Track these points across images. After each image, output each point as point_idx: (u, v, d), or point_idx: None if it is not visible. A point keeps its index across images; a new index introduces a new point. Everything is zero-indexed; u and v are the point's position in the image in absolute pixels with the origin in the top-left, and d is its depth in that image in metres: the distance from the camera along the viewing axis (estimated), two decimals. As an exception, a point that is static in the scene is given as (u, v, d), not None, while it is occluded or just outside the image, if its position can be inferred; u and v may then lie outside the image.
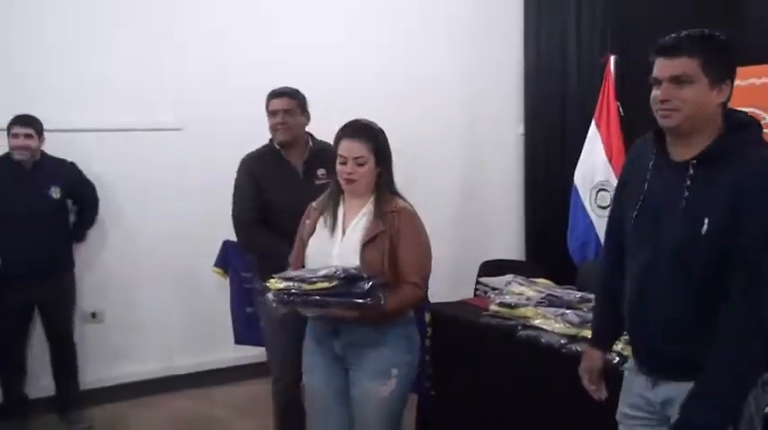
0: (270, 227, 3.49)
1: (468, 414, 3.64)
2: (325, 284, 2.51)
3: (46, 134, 4.34)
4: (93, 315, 4.87)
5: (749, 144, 2.00)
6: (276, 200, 3.48)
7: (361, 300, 2.50)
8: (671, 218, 2.04)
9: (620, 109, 5.44)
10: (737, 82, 4.94)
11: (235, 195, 3.62)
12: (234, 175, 3.65)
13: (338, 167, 2.76)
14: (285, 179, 3.54)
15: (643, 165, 2.16)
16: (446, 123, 5.88)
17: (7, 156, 4.29)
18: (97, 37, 4.70)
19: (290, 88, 3.64)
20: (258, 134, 3.66)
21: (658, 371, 2.14)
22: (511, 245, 6.16)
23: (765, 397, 2.06)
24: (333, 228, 2.79)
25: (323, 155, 3.48)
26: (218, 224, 4.07)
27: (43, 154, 4.38)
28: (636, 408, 2.23)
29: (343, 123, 2.82)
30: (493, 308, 3.50)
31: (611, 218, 2.39)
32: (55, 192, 4.32)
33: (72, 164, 4.52)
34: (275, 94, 3.61)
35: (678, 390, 2.05)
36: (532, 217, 6.24)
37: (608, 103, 5.42)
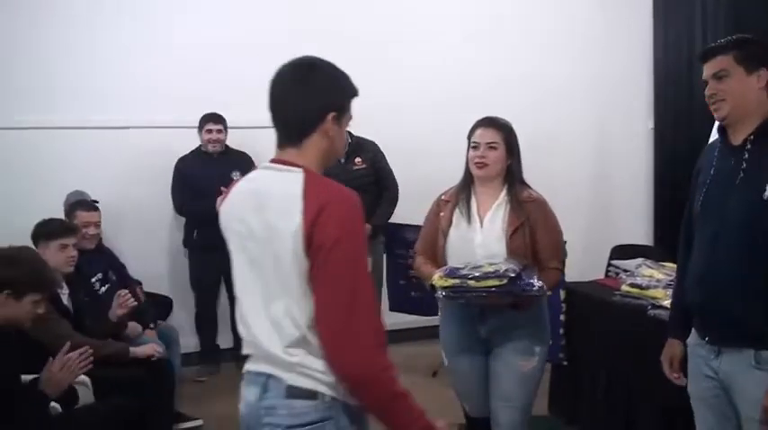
0: None
1: (597, 383, 3.74)
2: (496, 282, 2.50)
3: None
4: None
5: None
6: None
7: (537, 295, 2.55)
8: (733, 191, 2.16)
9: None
10: None
11: None
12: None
13: (470, 154, 2.81)
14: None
15: (711, 155, 2.33)
16: (580, 119, 6.05)
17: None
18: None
19: None
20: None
21: (723, 339, 2.20)
22: (640, 231, 6.25)
23: None
24: (469, 218, 2.79)
25: (359, 147, 4.57)
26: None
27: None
28: (703, 379, 2.28)
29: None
30: (624, 288, 3.57)
31: (687, 208, 2.43)
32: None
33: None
34: None
35: (739, 360, 2.14)
36: (660, 205, 6.31)
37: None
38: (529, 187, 2.85)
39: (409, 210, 5.02)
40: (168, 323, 4.55)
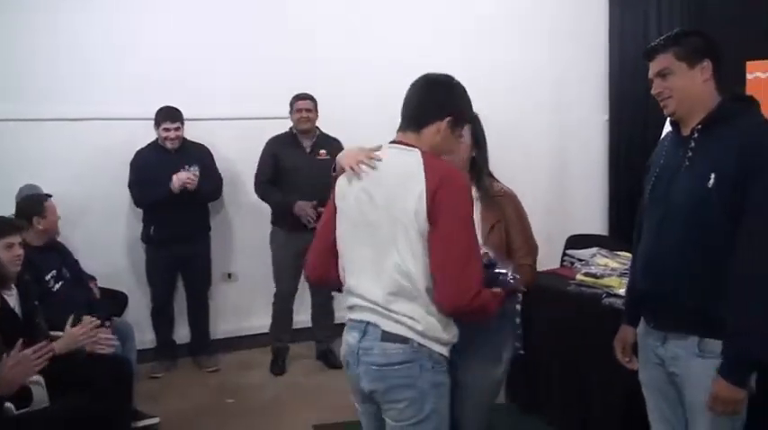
0: (285, 185, 4.74)
1: (553, 372, 3.80)
2: None
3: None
4: (229, 275, 5.42)
5: (747, 112, 2.17)
6: (289, 167, 4.76)
7: (512, 281, 2.31)
8: (679, 179, 2.19)
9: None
10: (758, 74, 5.07)
11: (258, 165, 4.81)
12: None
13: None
14: (297, 154, 4.79)
15: (663, 146, 2.39)
16: (537, 111, 6.09)
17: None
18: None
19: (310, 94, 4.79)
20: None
21: (668, 325, 2.24)
22: (596, 221, 6.33)
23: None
24: None
25: (325, 141, 4.85)
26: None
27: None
28: (653, 367, 2.33)
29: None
30: (579, 277, 3.63)
31: (641, 201, 2.45)
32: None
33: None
34: (301, 97, 4.77)
35: (684, 346, 2.17)
36: (615, 195, 6.40)
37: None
38: (497, 180, 2.74)
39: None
40: (124, 319, 4.48)
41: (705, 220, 2.11)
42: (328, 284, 2.45)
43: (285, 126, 4.90)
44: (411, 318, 2.06)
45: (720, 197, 2.07)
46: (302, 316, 5.17)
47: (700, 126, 2.19)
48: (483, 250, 2.37)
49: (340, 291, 2.33)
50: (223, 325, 5.37)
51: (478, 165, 2.68)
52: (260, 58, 5.13)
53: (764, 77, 4.98)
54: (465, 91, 2.23)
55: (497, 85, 5.64)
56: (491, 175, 2.73)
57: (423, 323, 2.06)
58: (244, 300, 5.42)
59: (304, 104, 4.80)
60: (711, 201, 2.08)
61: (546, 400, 3.88)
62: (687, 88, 2.21)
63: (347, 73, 5.35)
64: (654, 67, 2.27)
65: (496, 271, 2.36)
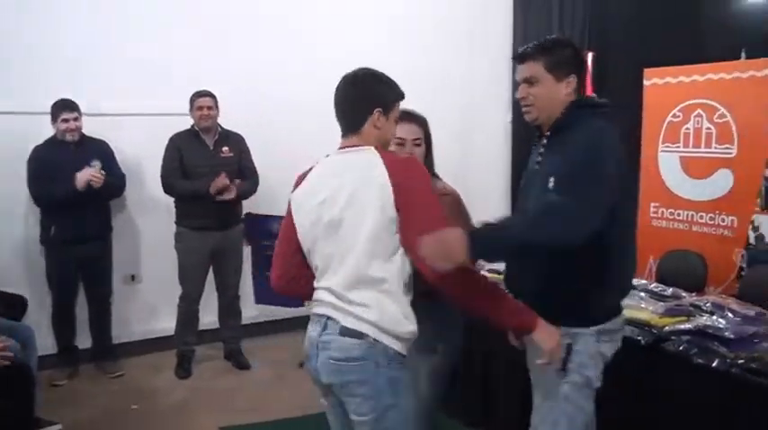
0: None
1: (491, 370, 3.77)
2: None
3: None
4: (133, 277, 5.28)
5: (588, 117, 2.25)
6: (193, 164, 4.71)
7: None
8: (533, 181, 2.36)
9: (597, 100, 5.83)
10: (696, 77, 5.38)
11: (164, 161, 4.74)
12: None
13: (394, 150, 2.66)
14: (200, 151, 4.75)
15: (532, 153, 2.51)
16: (444, 113, 6.05)
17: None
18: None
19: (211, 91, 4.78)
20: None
21: None
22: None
23: (599, 345, 2.29)
24: None
25: (227, 138, 4.85)
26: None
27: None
28: (532, 349, 2.43)
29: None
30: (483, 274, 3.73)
31: None
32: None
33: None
34: (201, 94, 4.75)
35: None
36: (516, 194, 6.54)
37: (586, 95, 5.81)
38: (441, 179, 2.84)
39: (275, 200, 5.00)
40: (23, 323, 4.30)
41: None
42: (295, 294, 2.48)
43: (189, 123, 4.83)
44: (365, 306, 2.12)
45: None
46: (209, 317, 5.10)
47: (549, 132, 2.32)
48: None
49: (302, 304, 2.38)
50: (127, 328, 5.23)
51: (428, 167, 2.75)
52: (164, 53, 5.03)
53: (662, 83, 5.25)
54: (379, 75, 2.30)
55: (407, 86, 5.62)
56: (436, 175, 2.85)
57: (377, 311, 2.11)
58: (148, 302, 5.30)
59: (204, 102, 4.75)
60: None
61: (483, 400, 3.86)
62: (551, 99, 2.31)
63: (256, 71, 5.34)
64: (522, 72, 2.35)
65: None
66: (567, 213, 2.05)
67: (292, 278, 2.41)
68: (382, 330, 2.12)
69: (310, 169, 2.33)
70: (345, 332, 2.13)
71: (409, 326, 2.18)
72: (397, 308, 2.15)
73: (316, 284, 2.28)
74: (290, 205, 2.35)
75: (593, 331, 2.30)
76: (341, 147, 2.27)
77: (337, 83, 2.28)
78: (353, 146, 2.23)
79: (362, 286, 2.13)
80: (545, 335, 2.16)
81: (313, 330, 2.25)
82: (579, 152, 2.16)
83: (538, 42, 2.36)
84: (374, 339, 2.12)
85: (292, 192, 2.34)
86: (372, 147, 2.19)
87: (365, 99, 2.25)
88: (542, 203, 2.18)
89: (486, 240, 2.06)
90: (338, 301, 2.17)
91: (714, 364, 2.79)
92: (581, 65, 2.36)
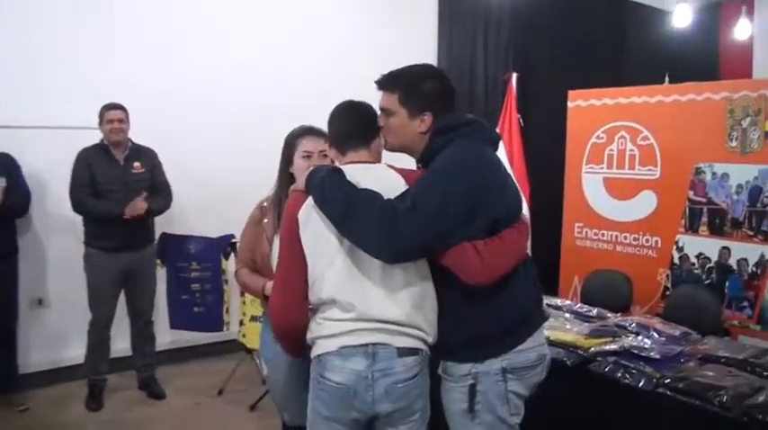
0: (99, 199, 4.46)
1: None
2: None
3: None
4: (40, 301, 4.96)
5: (449, 142, 2.20)
6: (103, 181, 4.46)
7: None
8: None
9: (521, 120, 5.88)
10: (620, 99, 5.49)
11: (73, 178, 4.46)
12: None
13: (300, 163, 2.77)
14: (111, 166, 4.51)
15: None
16: None
17: None
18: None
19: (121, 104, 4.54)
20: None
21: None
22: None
23: (505, 384, 2.20)
24: None
25: (138, 153, 4.62)
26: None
27: None
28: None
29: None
30: None
31: None
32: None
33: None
34: (111, 107, 4.49)
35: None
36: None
37: (510, 114, 5.84)
38: None
39: (193, 221, 4.81)
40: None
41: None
42: (298, 330, 2.31)
43: (99, 136, 4.58)
44: (423, 330, 2.20)
45: None
46: (121, 343, 4.84)
47: (420, 165, 2.31)
48: None
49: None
50: (34, 356, 4.90)
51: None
52: (74, 62, 4.80)
53: (585, 105, 5.31)
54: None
55: (327, 101, 5.57)
56: None
57: (432, 334, 2.23)
58: (57, 328, 4.99)
59: (115, 115, 4.49)
60: None
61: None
62: (405, 133, 2.27)
63: (168, 81, 5.16)
64: (380, 101, 2.32)
65: None
66: (392, 214, 2.04)
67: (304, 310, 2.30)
68: (429, 344, 2.24)
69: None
70: (404, 352, 2.17)
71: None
72: (435, 320, 2.26)
73: (342, 316, 2.19)
74: (295, 226, 2.23)
75: (498, 370, 2.20)
76: (350, 162, 2.31)
77: (339, 104, 2.41)
78: (366, 162, 2.30)
79: (418, 309, 2.19)
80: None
81: (355, 364, 2.16)
82: (427, 173, 2.17)
83: (395, 73, 2.31)
84: (426, 352, 2.23)
85: (298, 213, 2.23)
86: (384, 164, 2.30)
87: (374, 119, 2.34)
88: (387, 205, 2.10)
89: (320, 184, 2.14)
90: (390, 325, 2.16)
91: (641, 385, 2.82)
92: (444, 101, 2.28)
